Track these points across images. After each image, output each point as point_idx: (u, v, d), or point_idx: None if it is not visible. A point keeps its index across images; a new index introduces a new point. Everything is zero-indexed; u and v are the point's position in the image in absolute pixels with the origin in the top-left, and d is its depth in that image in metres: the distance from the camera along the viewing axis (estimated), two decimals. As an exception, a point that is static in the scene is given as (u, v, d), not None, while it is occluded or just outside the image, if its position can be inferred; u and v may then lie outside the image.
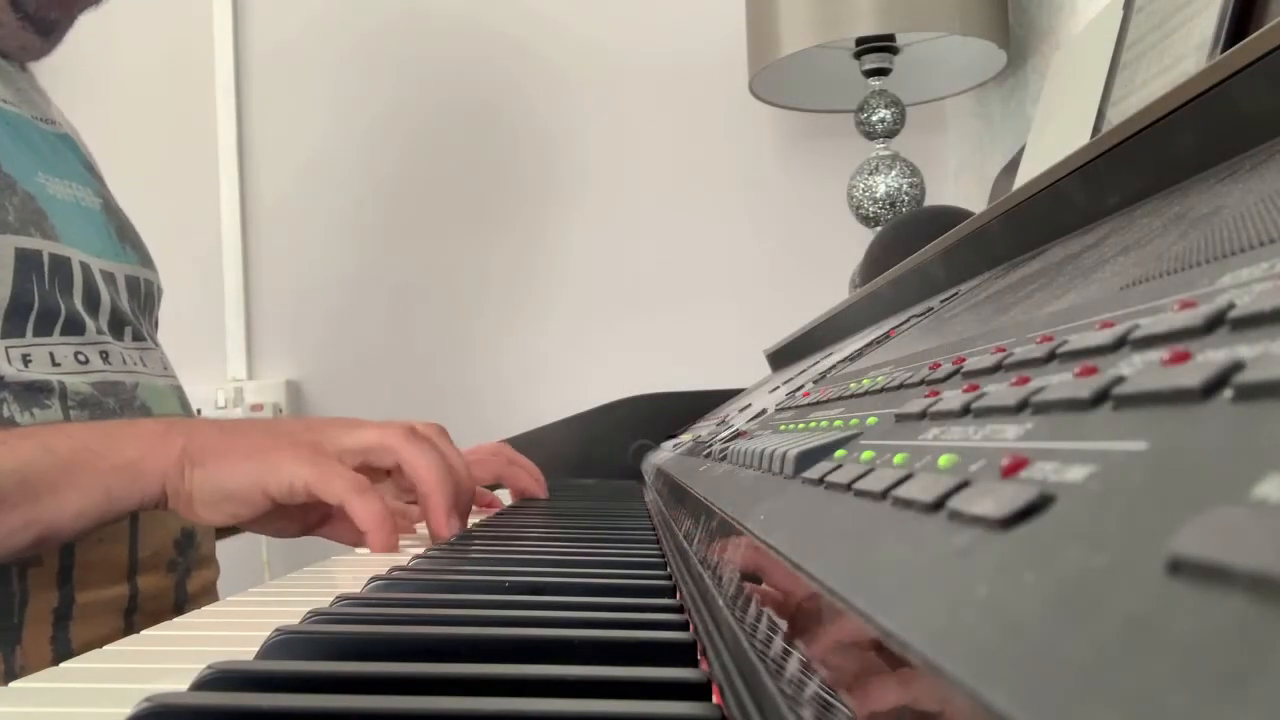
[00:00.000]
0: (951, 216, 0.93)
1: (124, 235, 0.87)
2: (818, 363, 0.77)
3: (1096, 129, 0.59)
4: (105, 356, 0.77)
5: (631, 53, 1.66)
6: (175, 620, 0.45)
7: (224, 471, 0.62)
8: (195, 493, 0.63)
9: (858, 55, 1.35)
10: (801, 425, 0.41)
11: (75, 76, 1.50)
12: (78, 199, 0.82)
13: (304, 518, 0.69)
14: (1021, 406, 0.19)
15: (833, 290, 1.32)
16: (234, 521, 0.65)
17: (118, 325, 0.81)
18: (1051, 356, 0.21)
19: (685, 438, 0.95)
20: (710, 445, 0.59)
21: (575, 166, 1.68)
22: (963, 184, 1.55)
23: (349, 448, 0.64)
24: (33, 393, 0.69)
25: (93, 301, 0.78)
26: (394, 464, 0.65)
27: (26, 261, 0.71)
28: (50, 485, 0.60)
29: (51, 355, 0.72)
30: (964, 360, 0.28)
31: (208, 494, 0.63)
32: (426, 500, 0.64)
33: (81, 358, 0.75)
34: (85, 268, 0.77)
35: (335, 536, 0.72)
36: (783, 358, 1.19)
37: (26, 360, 0.70)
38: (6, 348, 0.69)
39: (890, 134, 1.35)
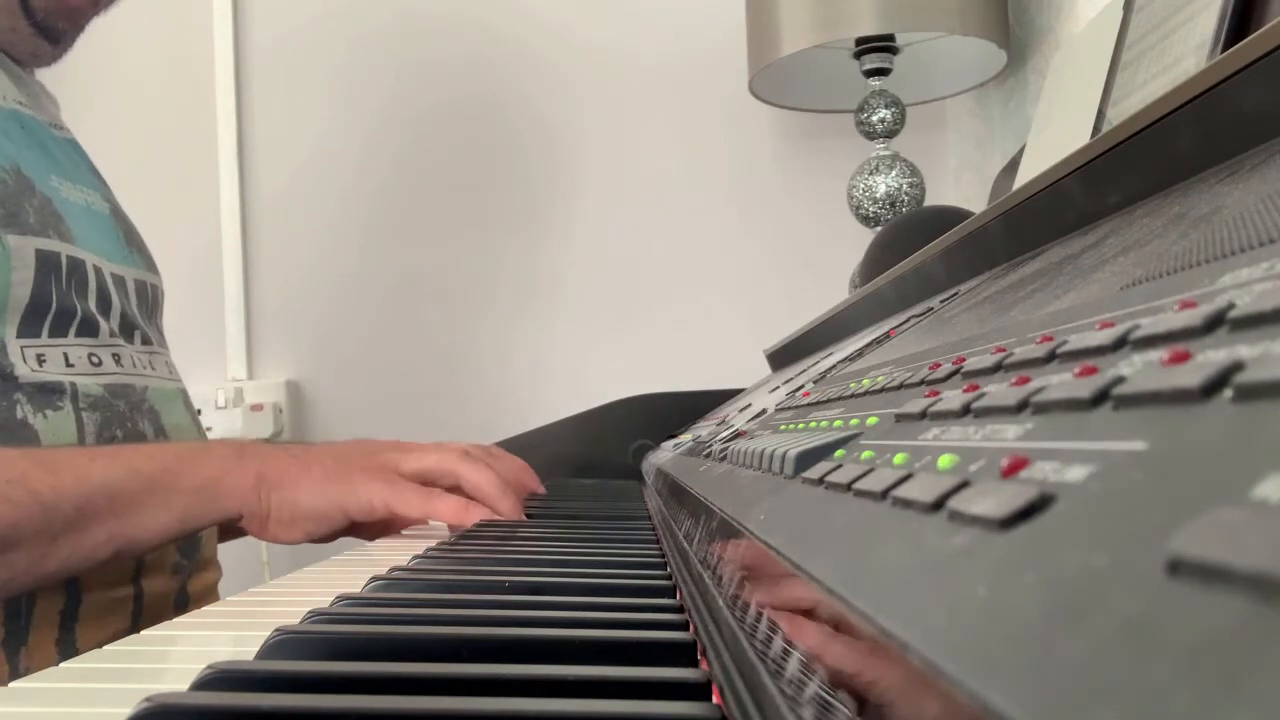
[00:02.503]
0: (951, 216, 0.93)
1: (131, 240, 0.87)
2: (818, 363, 0.77)
3: (1096, 129, 0.59)
4: (118, 359, 0.78)
5: (631, 53, 1.66)
6: (175, 620, 0.45)
7: (303, 493, 0.68)
8: (273, 513, 0.68)
9: (858, 55, 1.35)
10: (801, 425, 0.41)
11: (76, 77, 1.50)
12: (88, 203, 0.82)
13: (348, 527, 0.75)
14: (1021, 406, 0.19)
15: (833, 290, 1.32)
16: (308, 539, 0.70)
17: (128, 328, 0.81)
18: (1051, 356, 0.21)
19: (685, 438, 0.95)
20: (710, 445, 0.59)
21: (575, 166, 1.68)
22: (963, 184, 1.55)
23: (410, 470, 0.71)
24: (45, 393, 0.70)
25: (105, 304, 0.78)
26: (454, 484, 0.71)
27: (46, 262, 0.72)
28: (134, 503, 0.64)
29: (66, 356, 0.73)
30: (964, 360, 0.28)
31: (286, 514, 0.68)
32: (493, 514, 0.71)
33: (95, 359, 0.75)
34: (98, 271, 0.78)
35: (368, 535, 0.77)
36: (783, 358, 1.19)
37: (41, 360, 0.71)
38: (22, 347, 0.70)
39: (890, 134, 1.35)
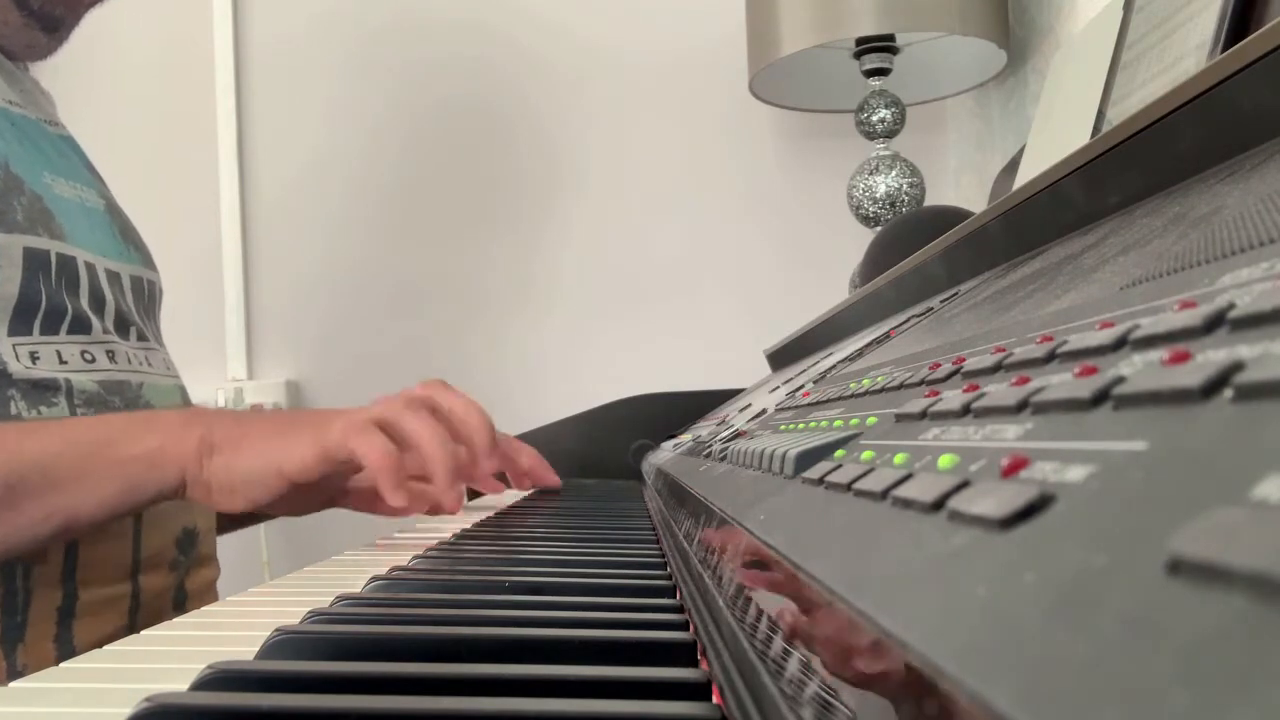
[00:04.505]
0: (951, 216, 0.93)
1: (127, 236, 0.87)
2: (818, 363, 0.77)
3: (1096, 129, 0.59)
4: (111, 356, 0.77)
5: (631, 53, 1.66)
6: (175, 620, 0.45)
7: (240, 458, 0.64)
8: (213, 480, 0.64)
9: (858, 55, 1.35)
10: (801, 425, 0.41)
11: (75, 76, 1.50)
12: (82, 199, 0.82)
13: (321, 493, 0.72)
14: (1021, 406, 0.19)
15: (833, 290, 1.32)
16: (252, 506, 0.66)
17: (123, 325, 0.81)
18: (1051, 356, 0.21)
19: (685, 438, 0.95)
20: (710, 445, 0.59)
21: (575, 166, 1.68)
22: (963, 184, 1.55)
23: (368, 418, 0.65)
24: (40, 390, 0.70)
25: (98, 301, 0.78)
26: (398, 435, 0.65)
27: (34, 260, 0.71)
28: (72, 475, 0.62)
29: (59, 354, 0.73)
30: (964, 360, 0.28)
31: (225, 481, 0.64)
32: (429, 467, 0.64)
33: (88, 356, 0.75)
34: (91, 268, 0.77)
35: (355, 505, 0.75)
36: (783, 358, 1.19)
37: (34, 358, 0.70)
38: (15, 345, 0.69)
39: (890, 134, 1.35)
